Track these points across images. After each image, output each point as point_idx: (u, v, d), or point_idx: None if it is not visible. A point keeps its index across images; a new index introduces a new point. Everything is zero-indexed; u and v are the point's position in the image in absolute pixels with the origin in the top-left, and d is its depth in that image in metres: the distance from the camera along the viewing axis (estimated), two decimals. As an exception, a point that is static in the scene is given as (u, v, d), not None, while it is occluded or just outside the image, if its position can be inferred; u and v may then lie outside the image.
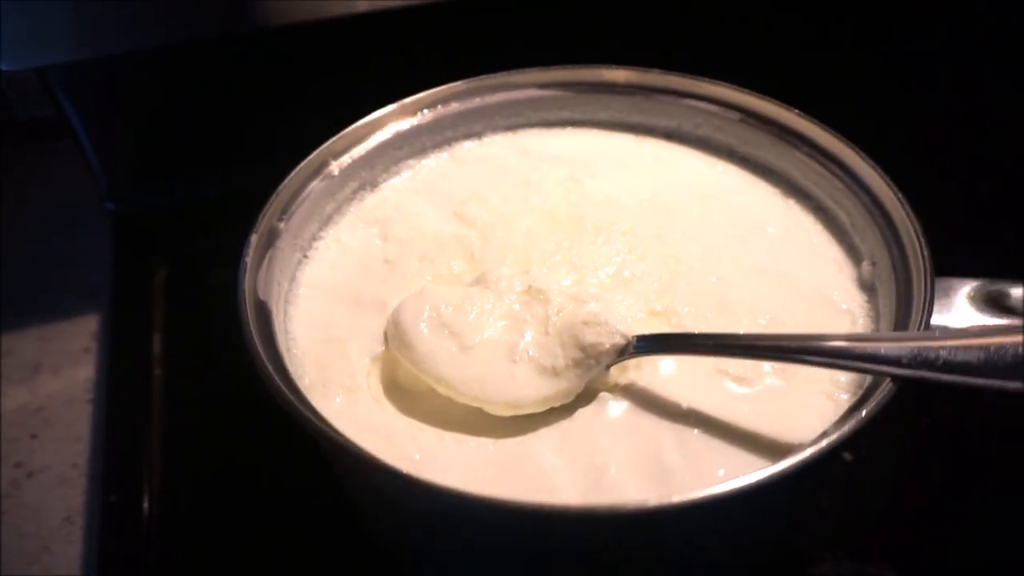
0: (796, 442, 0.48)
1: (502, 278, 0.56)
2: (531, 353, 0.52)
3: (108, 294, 0.83)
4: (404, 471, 0.41)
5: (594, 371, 0.51)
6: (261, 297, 0.52)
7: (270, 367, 0.46)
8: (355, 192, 0.67)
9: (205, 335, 0.78)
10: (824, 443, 0.42)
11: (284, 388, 0.45)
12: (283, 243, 0.57)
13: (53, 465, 0.72)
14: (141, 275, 0.82)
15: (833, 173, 0.62)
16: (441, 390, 0.51)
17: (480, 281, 0.57)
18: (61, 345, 0.81)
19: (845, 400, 0.50)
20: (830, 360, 0.46)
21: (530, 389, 0.50)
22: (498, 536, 0.46)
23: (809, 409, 0.50)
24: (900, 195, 0.55)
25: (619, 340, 0.51)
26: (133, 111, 0.85)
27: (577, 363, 0.51)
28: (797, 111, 0.64)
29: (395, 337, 0.53)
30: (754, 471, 0.42)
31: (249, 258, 0.53)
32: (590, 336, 0.51)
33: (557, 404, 0.51)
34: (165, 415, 0.72)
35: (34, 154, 0.98)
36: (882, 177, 0.57)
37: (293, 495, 0.64)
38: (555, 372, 0.51)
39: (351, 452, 0.42)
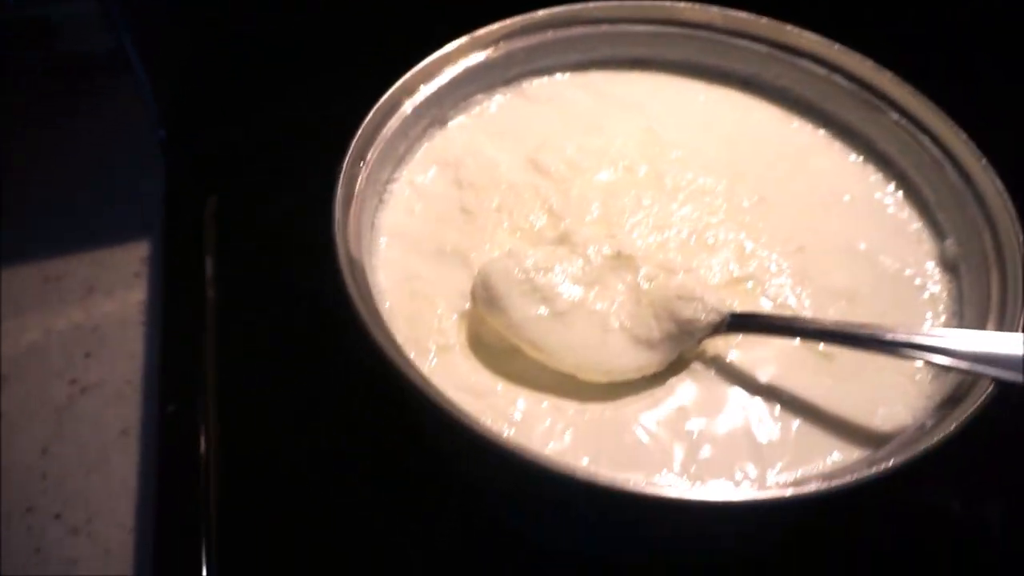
0: (881, 426, 0.49)
1: (588, 240, 0.55)
2: (624, 323, 0.52)
3: (160, 222, 0.81)
4: (528, 453, 0.41)
5: (687, 345, 0.51)
6: (353, 253, 0.50)
7: (375, 333, 0.46)
8: (425, 130, 0.65)
9: (258, 260, 0.78)
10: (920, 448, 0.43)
11: (394, 355, 0.45)
12: (364, 190, 0.56)
13: (108, 381, 0.74)
14: (192, 202, 0.80)
15: (922, 145, 0.61)
16: (534, 356, 0.52)
17: (564, 241, 0.56)
18: (114, 269, 0.81)
19: (927, 381, 0.52)
20: (939, 358, 0.46)
21: (625, 359, 0.51)
22: (610, 515, 0.48)
23: (893, 390, 0.51)
24: (998, 180, 0.54)
25: (714, 317, 0.51)
26: (189, 36, 0.80)
27: (671, 336, 0.51)
28: (892, 74, 0.62)
29: (485, 301, 0.53)
30: (843, 457, 0.44)
31: (338, 212, 0.51)
32: (686, 311, 0.51)
33: (649, 373, 0.52)
34: (219, 334, 0.72)
35: (85, 88, 0.94)
36: (978, 158, 0.56)
37: (352, 415, 0.65)
38: (649, 344, 0.51)
39: (467, 428, 0.42)
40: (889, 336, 0.47)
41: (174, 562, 0.59)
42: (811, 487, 0.41)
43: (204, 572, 0.57)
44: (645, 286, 0.53)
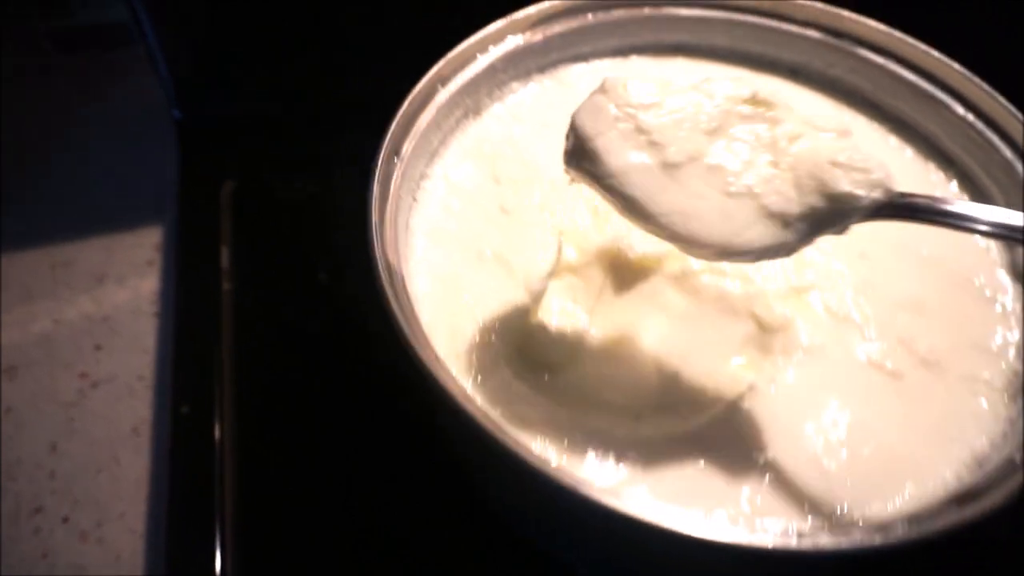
0: (959, 454, 0.46)
1: (715, 80, 0.43)
2: (754, 188, 0.41)
3: (174, 206, 0.78)
4: (582, 491, 0.38)
5: (832, 228, 0.41)
6: (391, 260, 0.47)
7: (422, 353, 0.42)
8: (459, 121, 0.61)
9: (274, 249, 0.75)
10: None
11: (442, 378, 0.41)
12: (399, 188, 0.52)
13: (119, 375, 0.71)
14: (208, 187, 0.77)
15: (991, 143, 0.57)
16: (631, 220, 0.42)
17: (613, 243, 0.52)
18: (126, 256, 0.78)
19: (1002, 402, 0.49)
20: None
21: (750, 235, 0.40)
22: (670, 556, 0.45)
23: (966, 413, 0.48)
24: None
25: (878, 196, 0.39)
26: (205, 14, 0.75)
27: (814, 214, 0.40)
28: (960, 66, 0.58)
29: (575, 149, 0.42)
30: (918, 490, 0.40)
31: (375, 214, 0.47)
32: (843, 183, 0.39)
33: (778, 257, 0.42)
34: (235, 330, 0.69)
35: (98, 62, 0.90)
36: (1057, 160, 0.53)
37: (370, 414, 0.62)
38: (784, 219, 0.40)
39: (517, 460, 0.39)
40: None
41: (187, 571, 0.56)
42: (897, 534, 0.37)
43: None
44: (787, 146, 0.41)
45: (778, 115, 0.43)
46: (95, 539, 0.62)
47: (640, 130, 0.42)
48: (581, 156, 0.43)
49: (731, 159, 0.42)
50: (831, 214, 0.41)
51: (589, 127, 0.43)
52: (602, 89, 0.44)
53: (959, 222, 0.41)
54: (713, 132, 0.42)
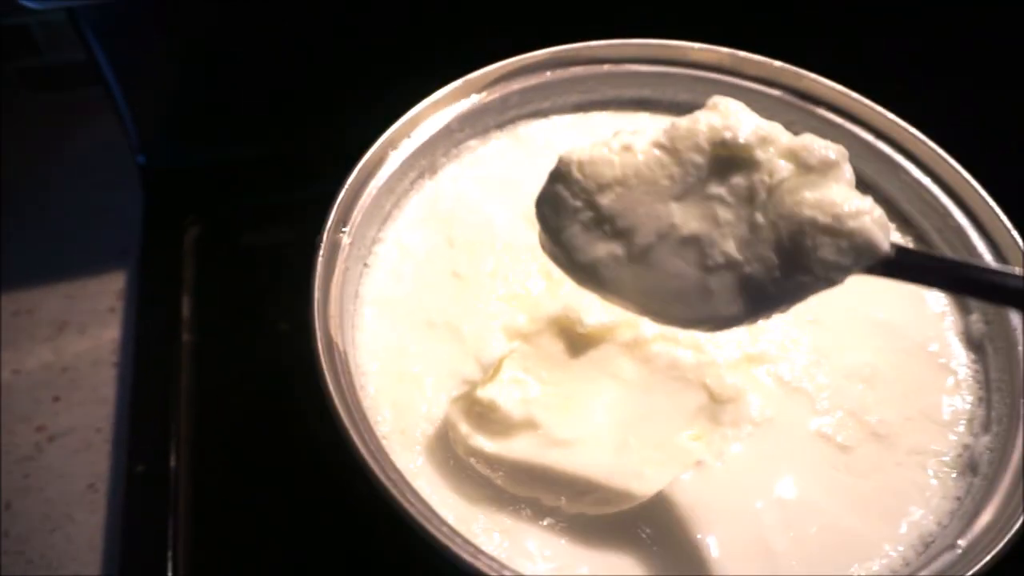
0: (906, 534, 0.46)
1: (678, 125, 0.39)
2: (733, 256, 0.38)
3: (137, 252, 0.78)
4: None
5: (811, 293, 0.39)
6: (333, 335, 0.46)
7: (351, 429, 0.42)
8: (413, 182, 0.61)
9: (237, 298, 0.74)
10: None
11: (374, 464, 0.40)
12: (348, 258, 0.51)
13: (77, 429, 0.70)
14: (171, 234, 0.76)
15: (946, 209, 0.57)
16: (609, 302, 0.42)
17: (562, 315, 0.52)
18: (88, 304, 0.77)
19: (950, 478, 0.48)
20: None
21: (732, 310, 0.38)
22: None
23: (914, 489, 0.48)
24: (1032, 257, 0.51)
25: (865, 263, 0.37)
26: (168, 60, 0.75)
27: (797, 282, 0.38)
28: (916, 130, 0.58)
29: (546, 239, 0.42)
30: (863, 570, 0.40)
31: (318, 290, 0.47)
32: (828, 251, 0.36)
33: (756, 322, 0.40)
34: (194, 383, 0.68)
35: (64, 103, 0.90)
36: (1007, 229, 0.53)
37: (329, 473, 0.58)
38: (766, 290, 0.38)
39: (448, 552, 0.38)
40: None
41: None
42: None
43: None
44: (766, 198, 0.37)
45: (754, 155, 0.38)
46: (47, 601, 0.61)
47: (602, 219, 0.39)
48: (554, 243, 0.42)
49: (705, 225, 0.39)
50: (816, 281, 0.38)
51: (552, 221, 0.41)
52: (557, 175, 0.41)
53: (955, 286, 0.40)
54: (682, 196, 0.39)
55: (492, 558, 0.38)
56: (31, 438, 0.70)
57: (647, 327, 0.51)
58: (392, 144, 0.57)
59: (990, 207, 0.54)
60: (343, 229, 0.52)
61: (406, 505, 0.39)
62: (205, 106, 0.81)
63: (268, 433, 0.65)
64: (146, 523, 0.61)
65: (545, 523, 0.46)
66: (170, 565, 0.58)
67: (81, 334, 0.76)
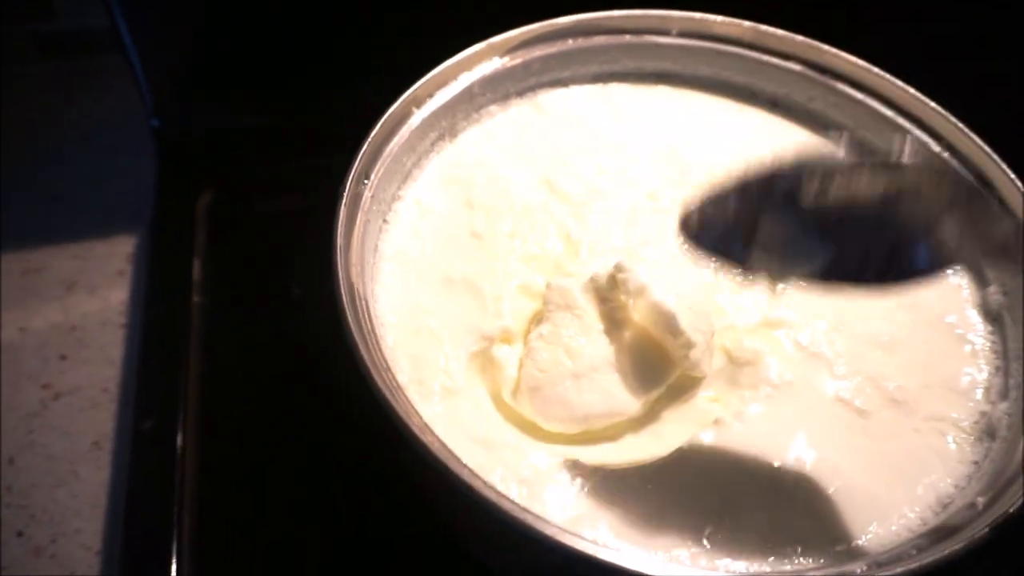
0: (923, 495, 0.46)
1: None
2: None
3: (149, 216, 0.77)
4: (538, 529, 0.37)
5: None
6: (355, 283, 0.46)
7: (372, 370, 0.41)
8: (434, 144, 0.61)
9: (248, 263, 0.74)
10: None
11: (398, 407, 0.40)
12: (368, 211, 0.51)
13: (84, 387, 0.70)
14: (184, 198, 0.76)
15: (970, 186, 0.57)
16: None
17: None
18: (97, 265, 0.77)
19: (968, 443, 0.48)
20: None
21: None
22: None
23: (932, 453, 0.48)
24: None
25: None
26: (187, 23, 0.75)
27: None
28: (936, 105, 0.58)
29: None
30: (882, 530, 0.40)
31: (340, 237, 0.47)
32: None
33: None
34: (203, 344, 0.68)
35: (81, 67, 0.90)
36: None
37: (336, 435, 0.61)
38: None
39: (472, 493, 0.38)
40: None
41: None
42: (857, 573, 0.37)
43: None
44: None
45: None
46: (48, 555, 0.60)
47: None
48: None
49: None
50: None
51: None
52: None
53: None
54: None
55: (514, 501, 0.38)
56: (37, 395, 0.69)
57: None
58: (416, 102, 0.57)
59: (1016, 186, 0.54)
60: (365, 181, 0.52)
61: (428, 443, 0.39)
62: (220, 71, 0.81)
63: (276, 394, 0.65)
64: (152, 480, 0.61)
65: (564, 476, 0.45)
66: (175, 521, 0.57)
67: (90, 295, 0.76)
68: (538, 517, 0.38)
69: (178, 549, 0.56)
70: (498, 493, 0.38)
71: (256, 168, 0.81)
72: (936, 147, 0.59)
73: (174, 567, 0.55)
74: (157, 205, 0.78)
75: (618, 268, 0.49)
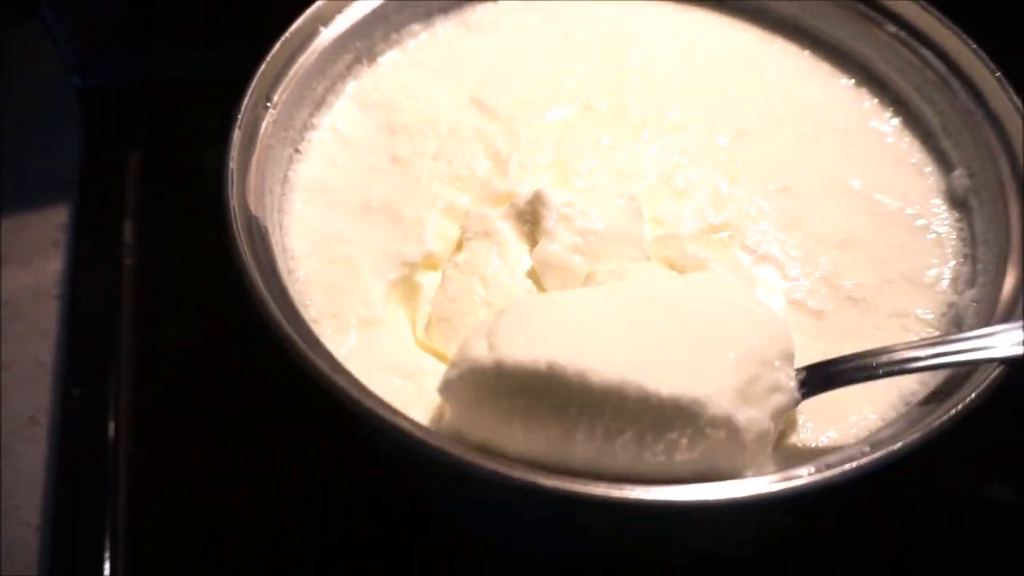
0: (879, 395, 0.42)
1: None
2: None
3: (77, 180, 0.74)
4: (457, 454, 0.34)
5: None
6: (253, 210, 0.42)
7: (269, 299, 0.38)
8: (349, 67, 0.56)
9: (181, 222, 0.69)
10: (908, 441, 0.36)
11: (288, 328, 0.37)
12: (271, 137, 0.47)
13: (18, 362, 0.67)
14: (113, 158, 0.72)
15: (924, 61, 0.53)
16: None
17: (505, 201, 0.48)
18: (30, 237, 0.73)
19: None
20: None
21: None
22: (563, 520, 0.41)
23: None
24: (1016, 97, 0.46)
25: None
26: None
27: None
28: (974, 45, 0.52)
29: None
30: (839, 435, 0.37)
31: (234, 162, 0.43)
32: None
33: None
34: (137, 308, 0.64)
35: (4, 34, 0.84)
36: (991, 70, 0.48)
37: (276, 396, 0.56)
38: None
39: (372, 414, 0.35)
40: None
41: (74, 566, 0.52)
42: (805, 478, 0.33)
43: None
44: None
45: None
46: (-13, 533, 0.58)
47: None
48: None
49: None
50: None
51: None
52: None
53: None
54: None
55: (419, 424, 0.35)
56: (-28, 370, 0.67)
57: None
58: (322, 19, 0.53)
59: (970, 52, 0.50)
60: (267, 105, 0.48)
61: (331, 376, 0.36)
62: (142, 22, 0.76)
63: (213, 355, 0.61)
64: (84, 447, 0.58)
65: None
66: (109, 490, 0.55)
67: (23, 268, 0.73)
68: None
69: (112, 522, 0.53)
70: (403, 416, 0.35)
71: (189, 122, 0.75)
72: (892, 28, 0.54)
73: (108, 543, 0.52)
74: (84, 168, 0.74)
75: (538, 198, 0.46)
